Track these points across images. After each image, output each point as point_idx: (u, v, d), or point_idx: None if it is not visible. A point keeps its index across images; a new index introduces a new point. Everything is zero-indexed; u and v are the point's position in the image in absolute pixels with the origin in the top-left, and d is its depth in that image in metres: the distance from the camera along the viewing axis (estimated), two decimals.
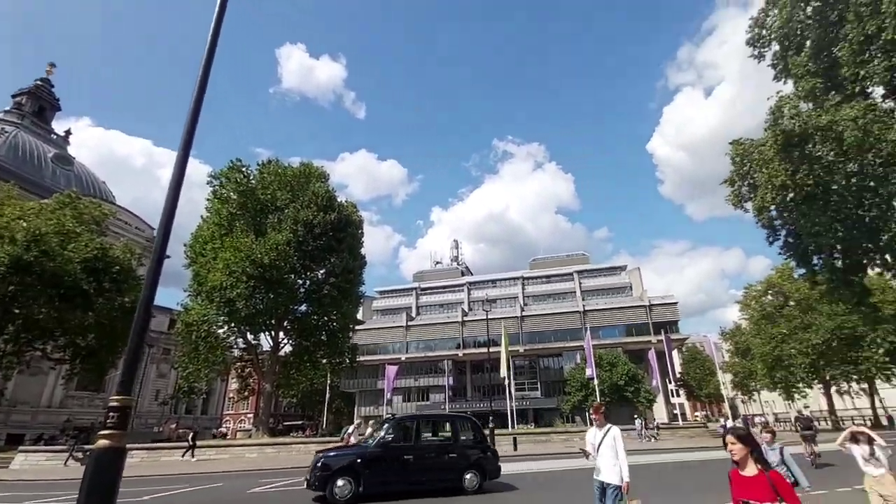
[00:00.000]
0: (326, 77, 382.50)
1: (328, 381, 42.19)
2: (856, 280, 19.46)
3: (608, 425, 5.36)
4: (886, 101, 17.88)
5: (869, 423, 35.53)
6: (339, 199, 29.45)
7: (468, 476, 10.13)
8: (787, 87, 19.54)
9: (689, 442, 25.72)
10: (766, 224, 19.76)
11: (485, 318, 27.47)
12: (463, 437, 11.01)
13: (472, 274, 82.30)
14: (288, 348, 29.13)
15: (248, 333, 27.33)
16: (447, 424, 11.56)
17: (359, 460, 9.42)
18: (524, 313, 58.64)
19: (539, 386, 56.70)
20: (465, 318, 60.29)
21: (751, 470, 3.13)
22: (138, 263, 28.16)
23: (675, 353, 62.61)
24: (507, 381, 31.93)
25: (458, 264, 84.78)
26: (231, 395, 60.28)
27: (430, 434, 11.73)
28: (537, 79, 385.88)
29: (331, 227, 27.00)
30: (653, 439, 27.72)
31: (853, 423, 25.08)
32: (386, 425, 10.59)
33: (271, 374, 27.06)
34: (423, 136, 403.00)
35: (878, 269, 20.27)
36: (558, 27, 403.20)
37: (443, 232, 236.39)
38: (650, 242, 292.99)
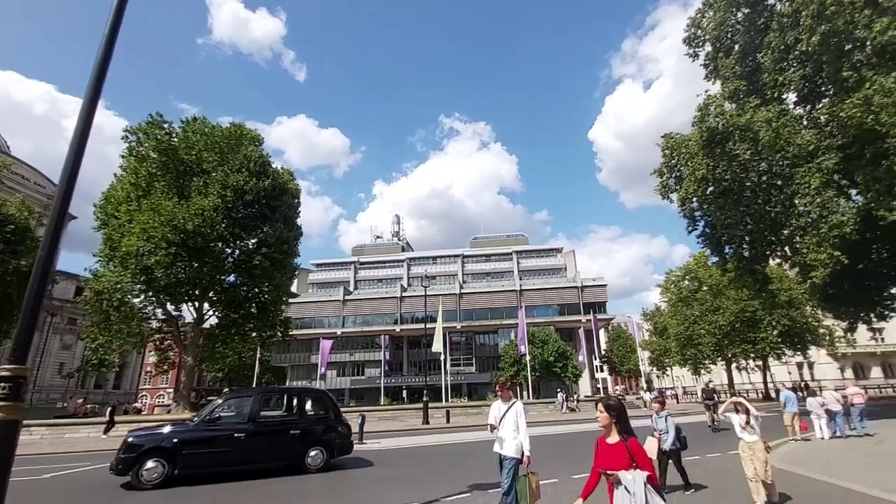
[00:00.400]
0: (263, 32, 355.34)
1: (258, 355, 40.78)
2: (759, 269, 21.93)
3: (513, 400, 5.48)
4: (797, 107, 19.99)
5: (760, 395, 40.93)
6: (274, 166, 27.88)
7: (313, 453, 9.57)
8: (716, 87, 21.12)
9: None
10: (687, 214, 21.56)
11: (423, 294, 27.77)
12: (312, 413, 10.50)
13: (412, 250, 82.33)
14: (214, 320, 27.66)
15: (169, 304, 25.54)
16: (293, 399, 10.85)
17: (175, 439, 8.57)
18: (463, 291, 60.00)
19: (474, 362, 58.79)
20: (404, 294, 60.56)
21: (613, 438, 3.30)
22: (37, 223, 25.21)
23: (601, 332, 67.77)
24: (442, 357, 32.81)
25: (398, 240, 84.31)
26: (148, 368, 56.63)
27: (278, 410, 11.12)
28: (490, 56, 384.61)
29: (264, 194, 25.59)
30: (573, 411, 30.47)
31: (744, 396, 28.89)
32: (218, 401, 10.00)
33: (194, 348, 25.63)
34: (367, 107, 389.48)
35: (778, 260, 22.97)
36: (515, 7, 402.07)
37: (385, 206, 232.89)
38: (586, 227, 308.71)
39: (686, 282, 43.40)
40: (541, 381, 42.83)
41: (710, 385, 22.20)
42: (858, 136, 15.43)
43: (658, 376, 62.05)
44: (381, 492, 7.73)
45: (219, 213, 23.58)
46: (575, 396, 35.58)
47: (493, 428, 5.36)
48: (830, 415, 12.81)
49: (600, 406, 3.42)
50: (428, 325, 29.55)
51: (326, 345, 40.00)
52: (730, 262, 21.68)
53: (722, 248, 21.86)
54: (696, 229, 22.36)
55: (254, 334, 28.90)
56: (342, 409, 11.50)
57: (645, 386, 40.60)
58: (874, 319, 24.73)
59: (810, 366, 52.36)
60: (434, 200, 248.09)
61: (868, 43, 14.84)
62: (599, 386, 51.50)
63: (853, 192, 19.31)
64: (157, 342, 29.07)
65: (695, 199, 20.64)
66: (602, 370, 68.71)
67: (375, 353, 56.94)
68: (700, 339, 38.91)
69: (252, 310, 27.47)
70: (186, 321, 28.49)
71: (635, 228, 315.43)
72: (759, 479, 5.76)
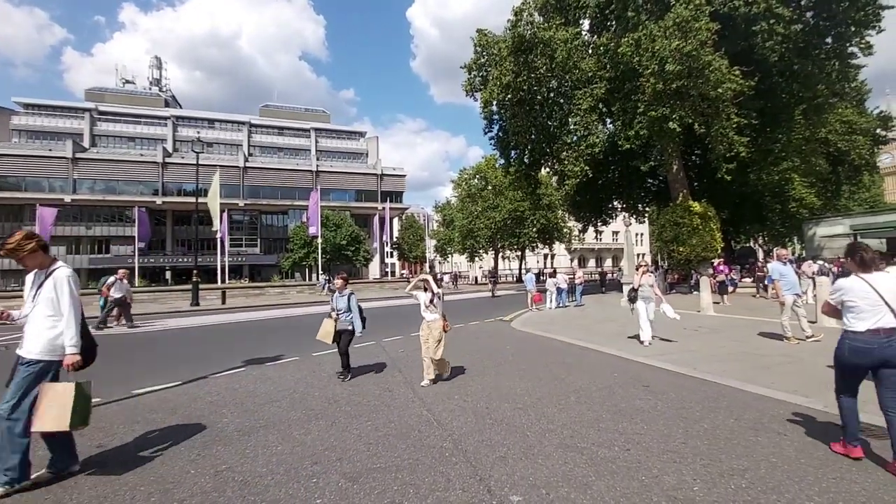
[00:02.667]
0: None
1: None
2: (533, 174, 26.70)
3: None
4: (588, 34, 23.37)
5: (514, 278, 52.37)
6: None
7: None
8: None
9: (387, 293, 31.55)
10: (487, 116, 24.00)
11: (196, 162, 24.23)
12: None
13: (180, 107, 68.79)
14: None
15: None
16: None
17: None
18: (248, 164, 54.55)
19: (259, 242, 56.31)
20: (168, 160, 51.54)
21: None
22: None
23: (396, 220, 72.98)
24: (220, 236, 30.43)
25: (161, 91, 68.76)
26: None
27: None
28: None
29: None
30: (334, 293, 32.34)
31: (494, 278, 36.29)
32: None
33: None
34: None
35: (547, 169, 28.24)
36: None
37: (139, 43, 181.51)
38: (393, 115, 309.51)
39: (476, 180, 49.58)
40: (331, 264, 44.55)
41: (486, 268, 27.33)
42: (624, 73, 19.28)
43: (440, 262, 71.95)
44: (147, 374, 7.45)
45: None
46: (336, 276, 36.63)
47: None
48: (559, 291, 17.79)
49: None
50: (201, 200, 26.33)
51: (47, 214, 31.72)
52: (513, 165, 25.62)
53: (509, 152, 25.50)
54: (492, 132, 25.27)
55: None
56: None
57: (427, 269, 47.36)
58: (599, 224, 33.84)
59: (552, 257, 68.84)
60: (213, 49, 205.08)
61: None
62: (388, 270, 56.90)
63: (608, 120, 24.61)
64: None
65: (495, 103, 22.95)
66: (392, 256, 75.37)
67: (126, 227, 48.40)
68: (479, 231, 46.18)
69: None
70: None
71: (439, 124, 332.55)
72: (429, 356, 5.96)
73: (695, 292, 18.18)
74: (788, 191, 29.03)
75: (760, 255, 50.31)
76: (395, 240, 71.33)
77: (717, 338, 9.19)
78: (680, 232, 19.97)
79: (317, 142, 63.16)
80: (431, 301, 6.09)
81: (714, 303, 14.23)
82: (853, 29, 17.60)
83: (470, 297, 26.41)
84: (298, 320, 15.79)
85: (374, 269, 55.43)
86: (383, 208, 47.85)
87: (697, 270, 19.87)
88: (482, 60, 23.03)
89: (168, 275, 50.29)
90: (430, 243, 59.24)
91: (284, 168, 56.55)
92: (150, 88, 68.08)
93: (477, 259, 53.18)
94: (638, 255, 62.23)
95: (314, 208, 35.08)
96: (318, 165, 57.62)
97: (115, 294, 13.30)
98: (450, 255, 60.50)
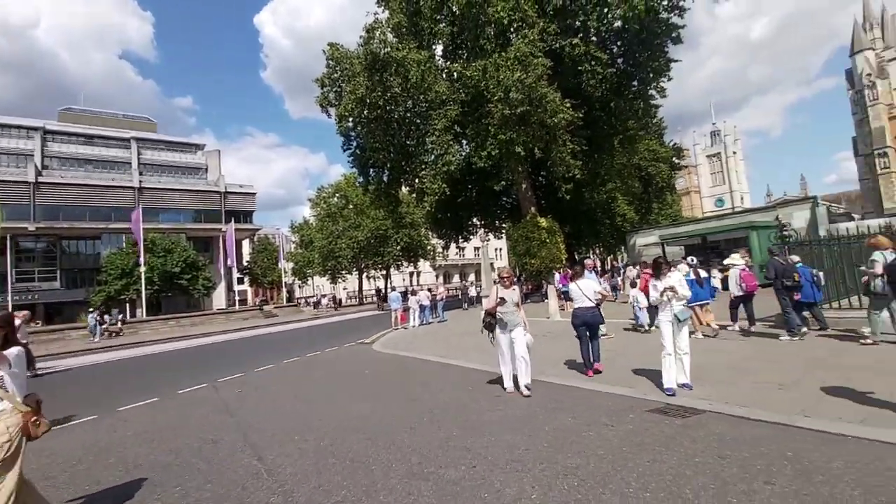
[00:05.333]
0: None
1: None
2: (393, 193, 27.02)
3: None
4: (441, 60, 24.73)
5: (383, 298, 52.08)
6: None
7: None
8: (385, 15, 23.07)
9: (235, 324, 28.78)
10: (343, 132, 23.74)
11: None
12: None
13: None
14: None
15: None
16: None
17: None
18: (42, 179, 45.12)
19: (60, 275, 46.62)
20: None
21: None
22: None
23: (246, 242, 67.29)
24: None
25: None
26: None
27: None
28: None
29: None
30: (115, 335, 25.47)
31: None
32: None
33: None
34: None
35: (408, 188, 28.84)
36: None
37: None
38: (242, 128, 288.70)
39: (335, 199, 48.50)
40: (161, 296, 38.97)
41: (347, 290, 26.47)
42: (475, 97, 20.80)
43: (300, 286, 68.23)
44: None
45: None
46: (118, 316, 28.50)
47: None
48: (422, 308, 18.05)
49: None
50: None
51: None
52: (372, 183, 25.63)
53: (368, 169, 25.50)
54: (350, 148, 25.03)
55: None
56: None
57: (286, 295, 44.40)
58: (461, 240, 35.62)
59: (418, 274, 70.28)
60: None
61: (492, 20, 19.77)
62: (237, 298, 51.88)
63: (464, 141, 26.19)
64: None
65: (351, 119, 22.83)
66: (242, 282, 69.16)
67: None
68: (341, 251, 45.06)
69: None
70: None
71: (297, 140, 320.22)
72: None
73: (545, 300, 20.04)
74: (614, 208, 34.32)
75: (598, 263, 58.15)
76: (245, 264, 65.69)
77: (560, 342, 10.14)
78: (531, 245, 22.01)
79: (139, 153, 54.99)
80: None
81: (560, 308, 15.83)
82: (651, 76, 21.69)
83: (342, 320, 25.44)
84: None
85: (219, 298, 50.03)
86: (227, 229, 43.53)
87: (546, 280, 22.02)
88: (336, 75, 22.81)
89: None
90: (287, 266, 55.82)
91: (95, 184, 47.73)
92: None
93: (340, 280, 51.70)
94: (498, 268, 67.13)
95: (138, 232, 30.52)
96: (141, 181, 50.05)
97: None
98: (310, 278, 57.80)
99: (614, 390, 5.74)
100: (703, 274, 9.47)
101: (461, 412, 5.38)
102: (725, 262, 10.36)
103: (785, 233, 9.73)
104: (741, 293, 9.12)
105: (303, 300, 60.17)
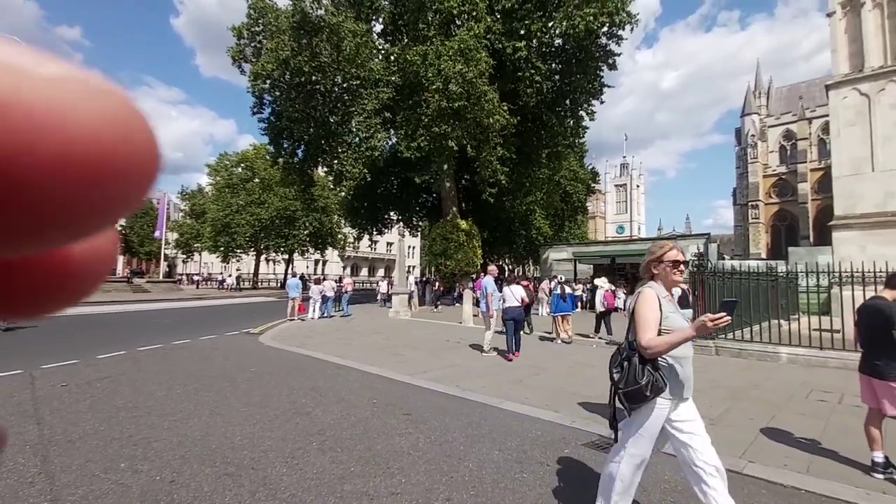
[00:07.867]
0: None
1: None
2: (307, 171, 24.98)
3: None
4: (379, 38, 23.33)
5: (279, 283, 48.49)
6: None
7: None
8: None
9: (98, 296, 24.93)
10: (257, 93, 21.32)
11: None
12: None
13: None
14: None
15: None
16: None
17: None
18: None
19: None
20: None
21: None
22: None
23: None
24: None
25: None
26: None
27: None
28: None
29: None
30: None
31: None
32: None
33: None
34: None
35: (326, 169, 26.84)
36: None
37: None
38: (139, 75, 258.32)
39: (240, 169, 44.27)
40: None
41: (238, 273, 23.88)
42: (412, 83, 19.72)
43: (184, 261, 61.70)
44: None
45: None
46: None
47: None
48: (325, 300, 16.54)
49: None
50: None
51: None
52: (283, 155, 23.41)
53: (281, 140, 23.22)
54: (262, 114, 22.63)
55: None
56: None
57: (166, 269, 39.37)
58: (375, 233, 34.09)
59: (324, 263, 66.95)
60: None
61: (439, 7, 18.85)
62: None
63: (392, 129, 24.93)
64: None
65: (269, 81, 20.58)
66: None
67: None
68: (238, 228, 41.08)
69: None
70: None
71: (205, 101, 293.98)
72: None
73: (457, 304, 19.57)
74: (532, 220, 35.07)
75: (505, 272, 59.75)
76: (118, 231, 58.01)
77: (475, 350, 9.48)
78: (448, 246, 21.40)
79: None
80: None
81: (474, 315, 15.29)
82: (584, 97, 22.25)
83: (230, 303, 22.74)
84: None
85: None
86: None
87: (461, 283, 21.56)
88: (257, 28, 20.45)
89: None
90: (170, 236, 50.00)
91: None
92: None
93: (233, 259, 47.17)
94: (409, 267, 66.35)
95: None
96: None
97: None
98: (197, 253, 52.36)
99: (542, 414, 5.05)
100: (567, 290, 11.49)
101: (363, 436, 4.34)
102: (596, 282, 13.46)
103: (701, 262, 10.00)
104: (603, 309, 11.95)
105: (184, 277, 54.46)
